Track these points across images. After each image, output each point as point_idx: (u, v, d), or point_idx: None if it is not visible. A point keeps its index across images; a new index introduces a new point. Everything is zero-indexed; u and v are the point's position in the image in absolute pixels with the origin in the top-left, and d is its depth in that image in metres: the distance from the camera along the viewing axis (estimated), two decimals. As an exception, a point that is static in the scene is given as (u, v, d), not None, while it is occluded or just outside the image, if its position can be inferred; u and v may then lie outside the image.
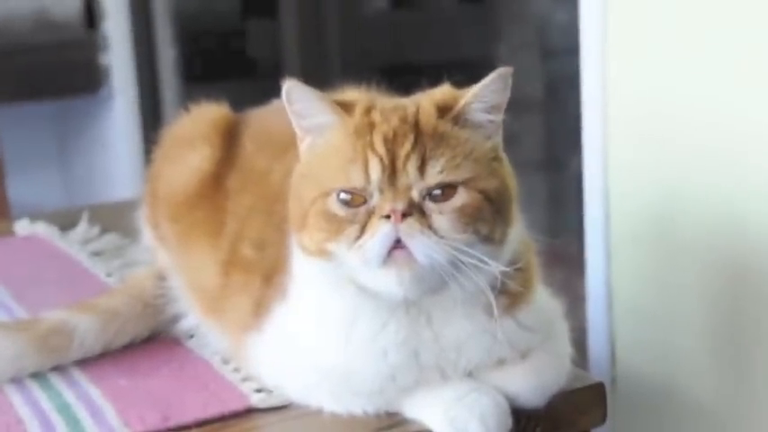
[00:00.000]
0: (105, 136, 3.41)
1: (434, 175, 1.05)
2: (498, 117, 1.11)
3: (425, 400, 1.13)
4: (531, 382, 1.15)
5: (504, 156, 1.13)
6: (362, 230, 1.05)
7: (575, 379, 1.22)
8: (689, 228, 1.64)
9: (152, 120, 3.32)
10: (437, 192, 1.05)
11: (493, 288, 1.08)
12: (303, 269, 1.15)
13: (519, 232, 1.14)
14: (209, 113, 1.50)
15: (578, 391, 1.23)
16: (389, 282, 1.05)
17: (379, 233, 1.03)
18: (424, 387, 1.13)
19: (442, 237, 1.04)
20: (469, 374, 1.14)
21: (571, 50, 1.89)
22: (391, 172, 1.05)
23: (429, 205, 1.05)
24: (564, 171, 3.28)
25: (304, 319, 1.17)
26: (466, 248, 1.04)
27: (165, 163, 1.51)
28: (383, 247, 1.03)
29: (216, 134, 1.45)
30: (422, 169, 1.05)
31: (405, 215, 1.03)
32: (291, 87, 1.10)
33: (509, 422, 1.12)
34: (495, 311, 1.09)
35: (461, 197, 1.06)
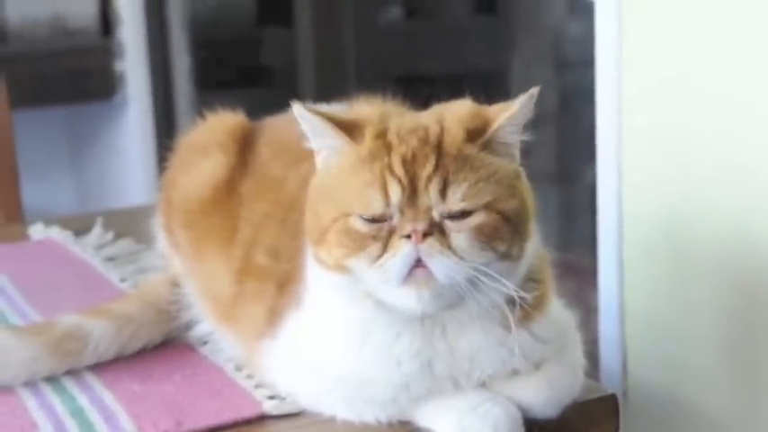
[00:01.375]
0: (119, 142, 3.43)
1: (456, 201, 1.05)
2: (522, 136, 1.11)
3: (438, 409, 1.13)
4: (545, 392, 1.15)
5: (521, 170, 1.13)
6: (384, 248, 1.05)
7: (587, 390, 1.22)
8: (702, 241, 1.64)
9: (166, 126, 3.34)
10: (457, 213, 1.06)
11: (510, 303, 1.09)
12: (318, 280, 1.15)
13: (535, 246, 1.14)
14: (225, 121, 1.51)
15: (591, 403, 1.23)
16: (409, 299, 1.05)
17: (400, 253, 1.04)
18: (437, 396, 1.13)
19: (461, 257, 1.04)
20: (482, 385, 1.14)
21: (585, 62, 1.89)
22: (411, 192, 1.05)
23: (448, 224, 1.05)
24: (577, 183, 3.27)
25: (318, 328, 1.17)
26: (484, 268, 1.05)
27: (179, 170, 1.51)
28: (404, 266, 1.04)
29: (231, 141, 1.45)
30: (443, 192, 1.05)
31: (425, 234, 1.04)
32: (299, 112, 1.11)
33: (521, 432, 1.12)
34: (513, 326, 1.10)
35: (480, 217, 1.06)
